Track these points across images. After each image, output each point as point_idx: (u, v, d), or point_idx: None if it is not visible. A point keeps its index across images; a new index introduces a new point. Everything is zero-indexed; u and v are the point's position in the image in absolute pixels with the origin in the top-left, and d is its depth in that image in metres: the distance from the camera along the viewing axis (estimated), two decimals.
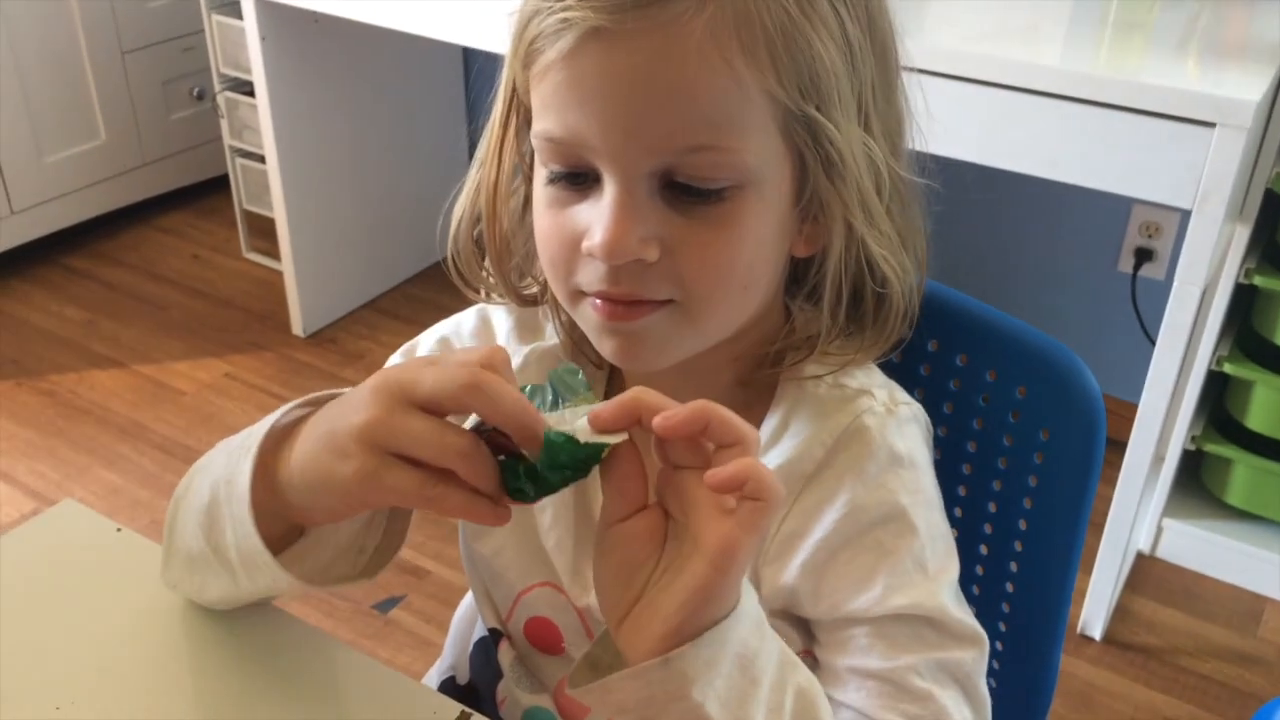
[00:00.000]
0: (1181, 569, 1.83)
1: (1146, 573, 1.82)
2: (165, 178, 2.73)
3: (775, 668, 0.54)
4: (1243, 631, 1.72)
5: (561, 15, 0.56)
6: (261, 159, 2.26)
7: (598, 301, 0.61)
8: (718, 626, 0.50)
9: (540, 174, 0.62)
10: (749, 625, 0.52)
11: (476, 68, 2.52)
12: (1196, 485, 1.85)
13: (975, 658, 0.63)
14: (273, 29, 2.07)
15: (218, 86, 2.35)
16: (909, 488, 0.64)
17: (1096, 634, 1.69)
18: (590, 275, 0.60)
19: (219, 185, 2.71)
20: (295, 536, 0.61)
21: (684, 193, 0.58)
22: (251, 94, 2.21)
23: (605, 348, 0.63)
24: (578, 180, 0.60)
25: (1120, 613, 1.74)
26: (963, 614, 0.64)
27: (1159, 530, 1.83)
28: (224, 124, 2.38)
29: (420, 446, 0.51)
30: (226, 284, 2.55)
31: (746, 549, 0.48)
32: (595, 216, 0.58)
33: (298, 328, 2.37)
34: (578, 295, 0.62)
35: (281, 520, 0.58)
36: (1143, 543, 1.84)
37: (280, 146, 2.16)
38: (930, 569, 0.63)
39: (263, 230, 2.51)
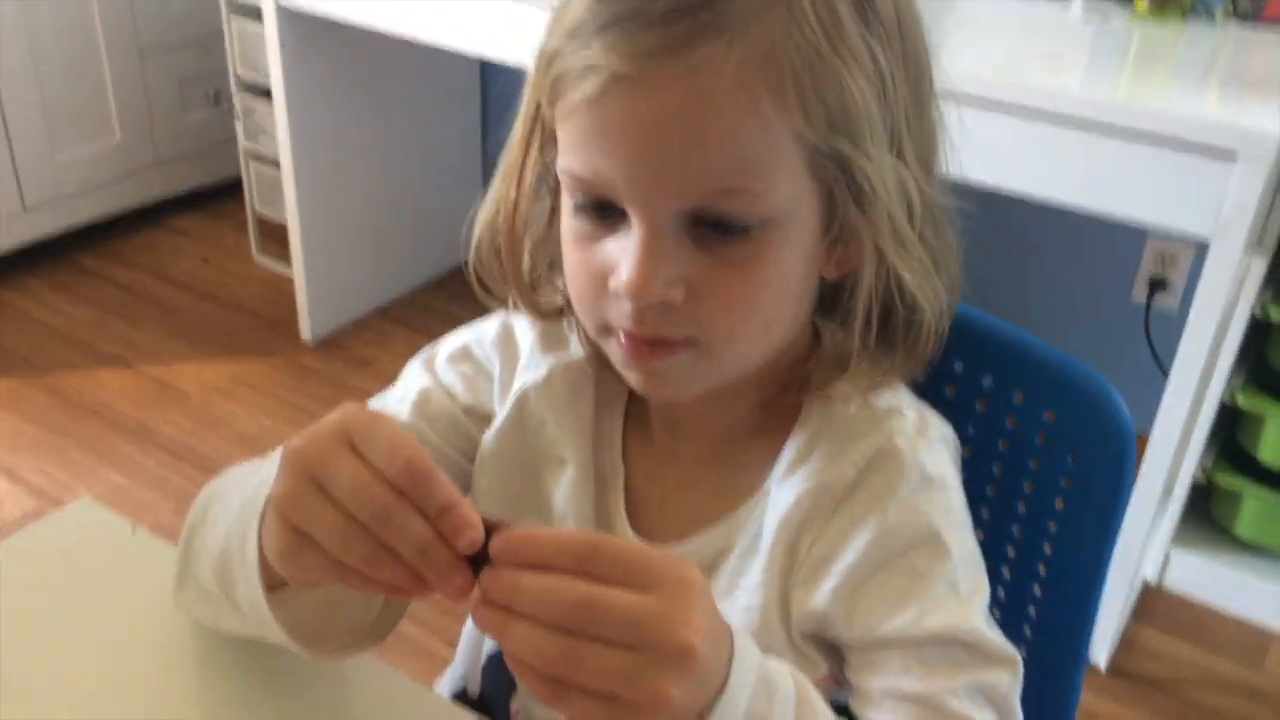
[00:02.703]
0: (1188, 600, 1.82)
1: (1153, 603, 1.81)
2: (178, 179, 2.74)
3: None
4: (1250, 665, 1.71)
5: (586, 59, 0.56)
6: (275, 163, 2.26)
7: (622, 339, 0.61)
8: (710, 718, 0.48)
9: (567, 203, 0.62)
10: (746, 696, 0.50)
11: (494, 79, 2.52)
12: (1205, 517, 1.84)
13: (1010, 679, 0.63)
14: (292, 34, 2.07)
15: (235, 89, 2.35)
16: (941, 509, 0.64)
17: (1102, 663, 1.68)
18: (618, 312, 0.60)
19: (232, 189, 2.71)
20: None
21: (711, 230, 0.58)
22: (268, 98, 2.21)
23: (631, 380, 0.65)
24: (605, 213, 0.60)
25: (1126, 643, 1.73)
26: (996, 635, 0.63)
27: (1166, 560, 1.82)
28: (239, 127, 2.38)
29: (325, 539, 0.48)
30: (236, 288, 2.55)
31: None
32: (622, 255, 0.58)
33: (306, 334, 2.37)
34: (605, 329, 0.63)
35: None
36: (1150, 573, 1.83)
37: (295, 151, 2.17)
38: (963, 591, 0.63)
39: (274, 235, 2.51)
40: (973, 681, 0.61)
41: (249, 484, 0.60)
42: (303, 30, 2.08)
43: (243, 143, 2.40)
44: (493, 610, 0.46)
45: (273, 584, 0.56)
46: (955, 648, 0.62)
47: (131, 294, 2.51)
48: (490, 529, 0.47)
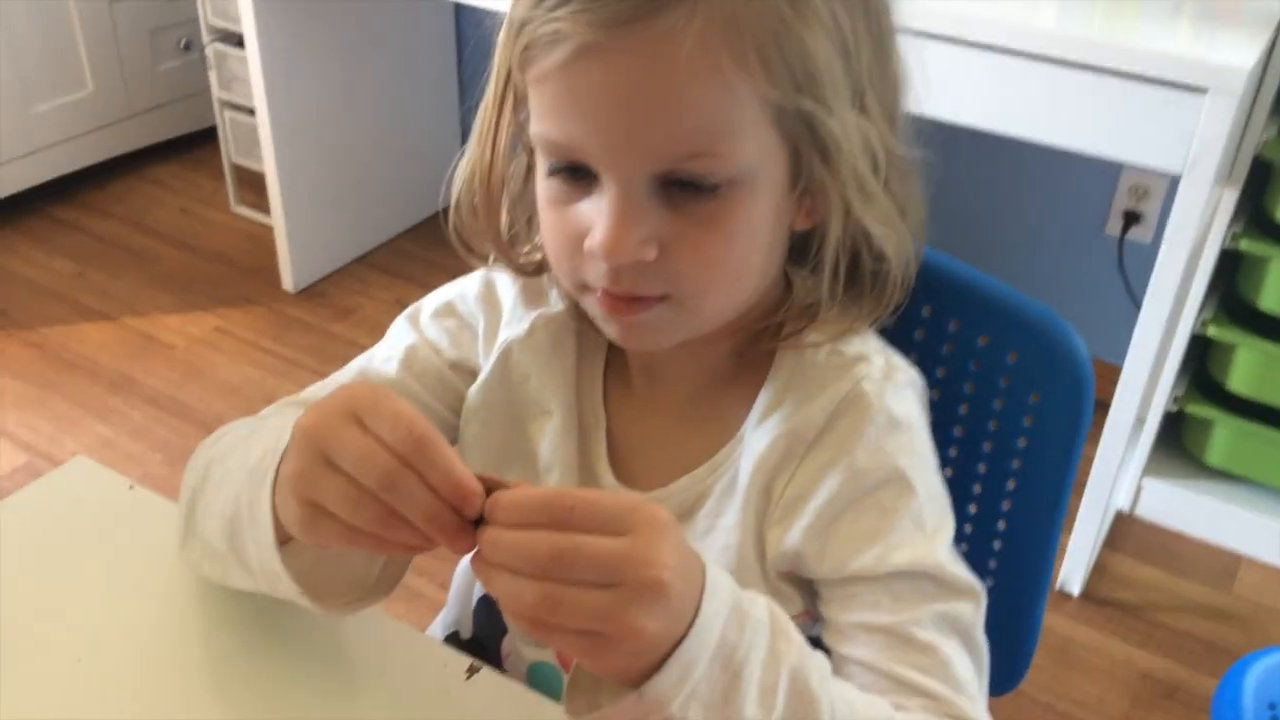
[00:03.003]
0: (1160, 527, 1.86)
1: (1126, 531, 1.86)
2: (153, 129, 2.72)
3: (765, 650, 0.54)
4: (1219, 588, 1.76)
5: (553, 27, 0.57)
6: (250, 112, 2.25)
7: (599, 295, 0.63)
8: (679, 648, 0.51)
9: (542, 166, 0.64)
10: (719, 624, 0.52)
11: (468, 23, 2.50)
12: (1177, 446, 1.88)
13: (974, 609, 0.65)
14: None
15: (206, 38, 2.33)
16: (907, 450, 0.66)
17: (1075, 590, 1.73)
18: (593, 271, 0.62)
19: (207, 137, 2.70)
20: None
21: (680, 190, 0.60)
22: (239, 45, 2.19)
23: (609, 332, 0.67)
24: (578, 175, 0.61)
25: (1099, 570, 1.78)
26: (960, 569, 0.66)
27: (1139, 489, 1.86)
28: (213, 76, 2.36)
29: (337, 508, 0.51)
30: (216, 237, 2.55)
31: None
32: (596, 217, 0.60)
33: (288, 282, 2.37)
34: (582, 286, 0.65)
35: None
36: (1123, 502, 1.87)
37: (271, 100, 2.15)
38: (929, 527, 0.65)
39: (251, 184, 2.50)
40: (938, 611, 0.64)
41: (252, 450, 0.62)
42: None
43: (216, 92, 2.38)
44: (482, 563, 0.50)
45: (281, 540, 0.59)
46: (921, 580, 0.64)
47: (110, 245, 2.51)
48: (488, 488, 0.51)
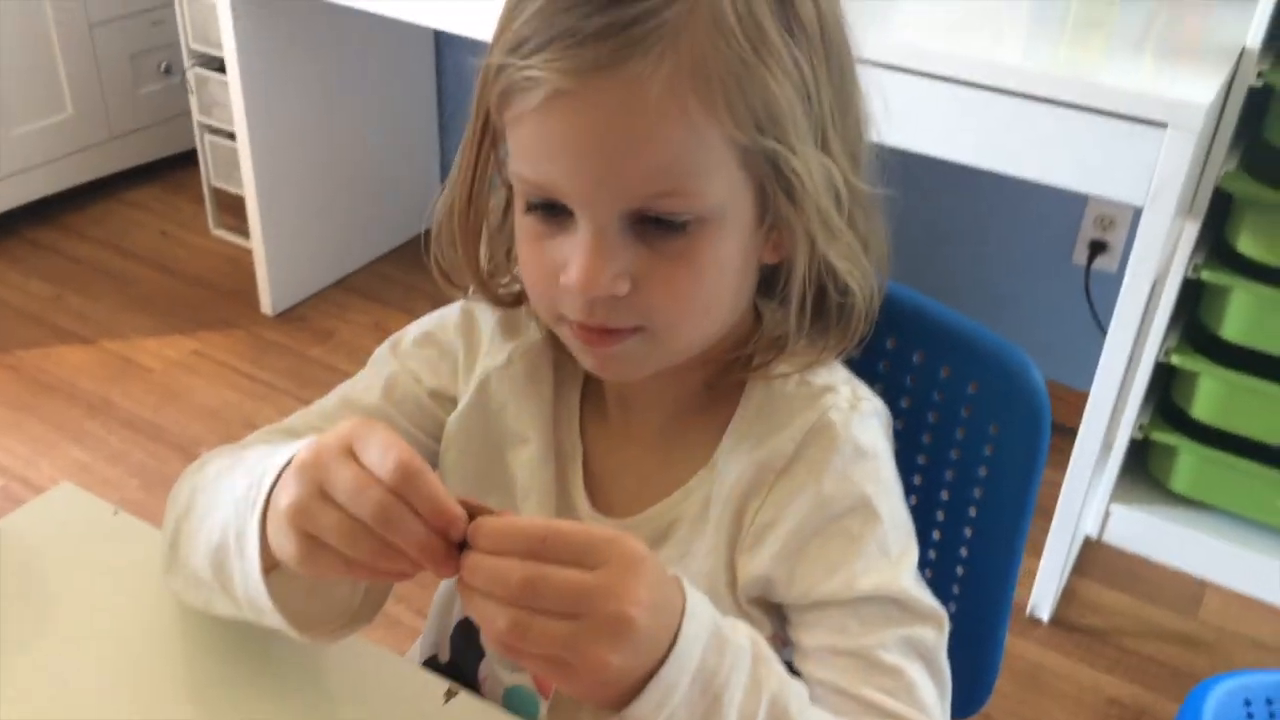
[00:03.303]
0: (1127, 553, 1.89)
1: (1094, 557, 1.88)
2: (132, 152, 2.72)
3: (746, 675, 0.56)
4: (1184, 614, 1.79)
5: (527, 74, 0.59)
6: (230, 135, 2.26)
7: (575, 327, 0.66)
8: (657, 675, 0.53)
9: (520, 203, 0.66)
10: (699, 649, 0.55)
11: (447, 49, 2.53)
12: (1143, 472, 1.91)
13: (937, 634, 0.68)
14: (245, 6, 2.07)
15: (187, 62, 2.34)
16: (872, 478, 0.68)
17: (1045, 616, 1.75)
18: (569, 305, 0.65)
19: (186, 160, 2.71)
20: None
21: (652, 228, 0.62)
22: (220, 70, 2.21)
23: (585, 363, 0.69)
24: (554, 213, 0.64)
25: (1068, 595, 1.80)
26: (924, 594, 0.68)
27: (1106, 515, 1.89)
28: (193, 100, 2.37)
29: (334, 540, 0.53)
30: (194, 261, 2.56)
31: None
32: (571, 253, 0.62)
33: (266, 306, 2.38)
34: (559, 318, 0.67)
35: None
36: (1090, 528, 1.90)
37: (251, 124, 2.17)
38: (893, 553, 0.68)
39: (231, 207, 2.51)
40: (903, 636, 0.66)
41: (237, 481, 0.63)
42: (255, 2, 2.08)
43: (197, 116, 2.39)
44: (463, 586, 0.53)
45: (266, 568, 0.60)
46: (887, 605, 0.66)
47: (88, 268, 2.51)
48: (471, 513, 0.53)
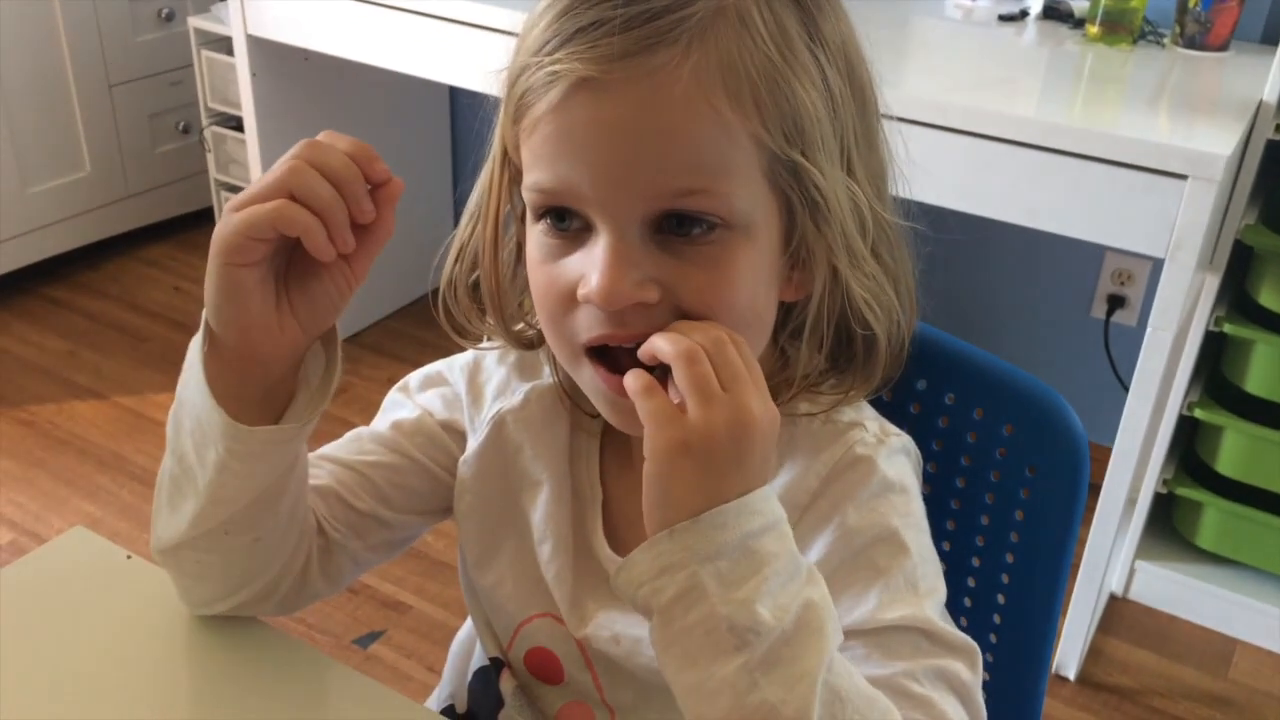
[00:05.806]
0: (1154, 610, 1.86)
1: (1119, 614, 1.85)
2: (148, 210, 2.74)
3: (788, 570, 0.55)
4: (1213, 673, 1.75)
5: (550, 68, 0.58)
6: None
7: (601, 369, 0.62)
8: (718, 509, 0.54)
9: (533, 228, 0.64)
10: (760, 521, 0.55)
11: (462, 109, 2.55)
12: (1168, 528, 1.89)
13: (970, 669, 0.64)
14: (263, 65, 2.09)
15: (205, 121, 2.37)
16: (900, 511, 0.66)
17: (1071, 674, 1.71)
18: (587, 322, 0.61)
19: (202, 218, 2.72)
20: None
21: (675, 234, 0.59)
22: (237, 128, 2.23)
23: (604, 412, 0.65)
24: (570, 229, 0.61)
25: (1094, 653, 1.76)
26: (952, 628, 0.65)
27: (1131, 572, 1.86)
28: (210, 158, 2.40)
29: (315, 186, 0.59)
30: None
31: (654, 443, 0.55)
32: (589, 264, 0.60)
33: None
34: (578, 355, 0.64)
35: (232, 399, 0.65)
36: (1115, 584, 1.87)
37: None
38: (921, 588, 0.65)
39: None
40: (933, 667, 0.63)
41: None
42: (273, 60, 2.10)
43: (214, 174, 2.42)
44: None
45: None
46: (914, 635, 0.63)
47: (102, 324, 2.51)
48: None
